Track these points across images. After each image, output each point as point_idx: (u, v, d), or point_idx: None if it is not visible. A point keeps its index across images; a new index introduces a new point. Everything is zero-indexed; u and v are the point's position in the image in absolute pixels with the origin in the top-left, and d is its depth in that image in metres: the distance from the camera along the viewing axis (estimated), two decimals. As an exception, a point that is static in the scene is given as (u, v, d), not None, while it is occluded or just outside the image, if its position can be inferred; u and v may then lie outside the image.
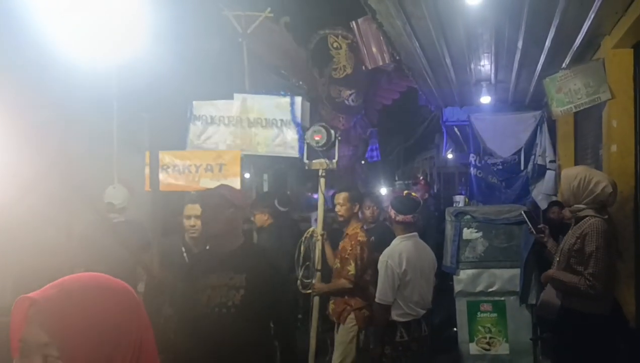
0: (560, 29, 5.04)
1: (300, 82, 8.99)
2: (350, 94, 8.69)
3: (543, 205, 7.72)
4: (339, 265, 4.59)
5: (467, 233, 6.27)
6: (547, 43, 5.47)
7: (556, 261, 3.73)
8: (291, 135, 5.30)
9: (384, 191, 20.94)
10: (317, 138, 4.62)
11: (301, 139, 5.19)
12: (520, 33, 5.22)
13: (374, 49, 6.64)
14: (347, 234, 4.60)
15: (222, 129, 5.57)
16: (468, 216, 6.31)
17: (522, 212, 4.23)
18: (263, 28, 8.37)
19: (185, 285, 2.92)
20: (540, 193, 7.86)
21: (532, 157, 8.23)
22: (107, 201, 5.39)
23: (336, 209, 4.67)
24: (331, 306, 4.76)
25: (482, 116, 8.51)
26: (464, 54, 6.07)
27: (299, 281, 4.87)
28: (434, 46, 5.77)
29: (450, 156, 16.93)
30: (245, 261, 2.84)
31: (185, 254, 4.25)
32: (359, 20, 6.49)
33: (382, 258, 4.03)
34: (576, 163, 7.65)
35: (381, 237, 5.38)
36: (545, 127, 8.06)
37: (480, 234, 6.24)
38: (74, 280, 1.16)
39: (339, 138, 4.50)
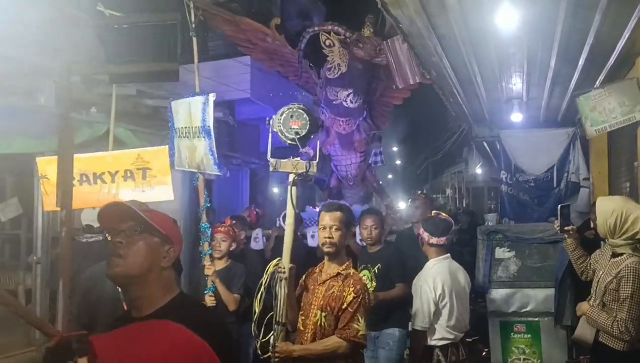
0: (594, 49, 5.01)
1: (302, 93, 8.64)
2: (348, 95, 7.88)
3: (577, 223, 7.57)
4: (323, 318, 3.17)
5: (500, 252, 6.25)
6: (581, 62, 5.44)
7: (593, 292, 3.70)
8: (204, 146, 4.38)
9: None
10: (294, 126, 3.11)
11: (212, 150, 4.34)
12: (553, 52, 5.20)
13: (405, 69, 6.62)
14: (338, 273, 3.21)
15: (182, 142, 4.82)
16: (500, 235, 6.28)
17: (559, 206, 4.11)
18: (257, 34, 8.17)
19: None
20: (573, 211, 7.72)
21: (565, 174, 8.13)
22: (84, 224, 4.81)
23: (325, 235, 3.22)
24: None
25: (513, 132, 8.44)
26: (495, 73, 6.06)
27: (257, 342, 3.37)
28: (465, 66, 5.79)
29: (479, 170, 16.82)
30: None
31: (122, 296, 3.11)
32: (389, 41, 6.52)
33: (417, 282, 4.00)
34: (610, 181, 7.54)
35: (388, 263, 4.89)
36: (578, 144, 7.97)
37: (513, 253, 6.21)
38: None
39: (323, 123, 3.54)
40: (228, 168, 10.94)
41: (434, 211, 4.42)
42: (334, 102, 7.91)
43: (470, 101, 7.52)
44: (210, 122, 4.34)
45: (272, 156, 3.30)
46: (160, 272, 1.93)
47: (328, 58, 8.00)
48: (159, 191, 4.22)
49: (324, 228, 3.26)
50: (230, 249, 4.81)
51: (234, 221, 5.56)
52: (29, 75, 6.34)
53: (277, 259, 3.30)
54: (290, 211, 3.23)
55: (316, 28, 8.13)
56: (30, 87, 6.56)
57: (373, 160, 8.32)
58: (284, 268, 3.24)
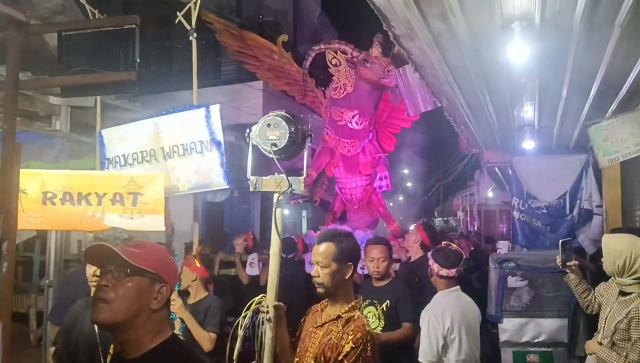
0: (605, 80, 5.03)
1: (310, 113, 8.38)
2: (353, 116, 7.59)
3: (590, 250, 7.55)
4: None
5: (512, 281, 6.19)
6: (592, 92, 5.46)
7: (601, 329, 3.66)
8: (214, 160, 4.09)
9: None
10: (272, 137, 2.58)
11: (222, 163, 4.08)
12: (564, 83, 5.22)
13: (416, 97, 6.64)
14: (339, 316, 2.64)
15: (135, 170, 4.31)
16: (512, 264, 6.24)
17: (560, 242, 4.08)
18: (264, 50, 7.96)
19: None
20: (587, 239, 7.69)
21: (578, 201, 8.09)
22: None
23: (312, 273, 2.70)
24: None
25: (525, 159, 8.44)
26: (507, 101, 6.09)
27: None
28: (477, 95, 5.82)
29: (491, 194, 16.77)
30: None
31: (97, 334, 2.88)
32: (401, 69, 6.57)
33: (425, 315, 3.89)
34: (623, 209, 7.51)
35: (398, 299, 4.32)
36: (590, 171, 7.94)
37: (525, 282, 6.16)
38: None
39: (311, 134, 2.67)
40: (240, 191, 11.01)
41: (444, 242, 4.36)
42: (339, 123, 7.72)
43: (481, 128, 7.54)
44: (220, 135, 4.11)
45: (272, 173, 2.77)
46: (149, 315, 1.77)
47: (334, 77, 7.82)
48: (149, 220, 3.82)
49: (312, 264, 2.72)
50: (192, 281, 4.18)
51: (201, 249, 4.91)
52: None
53: (260, 296, 2.74)
54: (274, 239, 2.64)
55: (322, 46, 7.93)
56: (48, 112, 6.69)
57: (378, 184, 7.96)
58: (267, 307, 2.67)
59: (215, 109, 4.14)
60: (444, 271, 3.94)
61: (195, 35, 4.75)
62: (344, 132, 7.71)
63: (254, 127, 2.65)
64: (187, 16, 5.00)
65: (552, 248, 7.41)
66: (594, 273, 5.87)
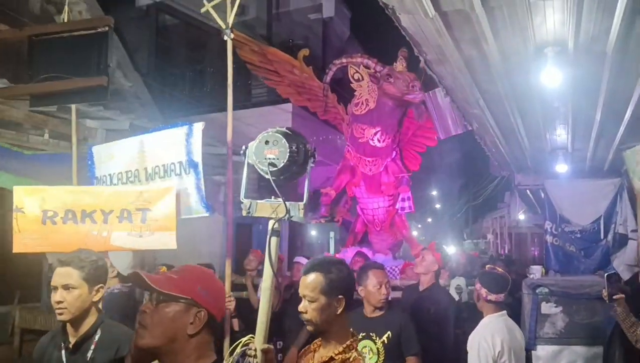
0: (639, 105, 4.96)
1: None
2: (375, 133, 7.19)
3: (625, 276, 7.36)
4: None
5: (546, 307, 6.07)
6: (627, 116, 5.38)
7: None
8: (192, 183, 3.71)
9: (451, 250, 20.53)
10: (270, 156, 2.29)
11: (199, 187, 3.70)
12: (598, 107, 5.17)
13: (447, 120, 6.60)
14: (331, 358, 2.35)
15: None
16: (546, 290, 6.13)
17: (606, 275, 4.00)
18: (285, 65, 7.67)
19: None
20: (622, 264, 7.51)
21: (613, 226, 7.92)
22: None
23: (299, 308, 2.40)
24: None
25: (558, 182, 8.31)
26: (540, 125, 6.05)
27: None
28: (508, 118, 5.79)
29: (522, 216, 16.51)
30: None
31: (64, 357, 2.72)
32: (431, 93, 6.56)
33: (474, 338, 3.78)
34: (660, 234, 7.31)
35: (400, 330, 3.80)
36: (625, 195, 7.77)
37: (560, 309, 6.03)
38: None
39: (314, 154, 2.36)
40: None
41: (488, 266, 4.30)
42: (360, 140, 7.37)
43: (513, 151, 7.48)
44: (198, 156, 3.72)
45: (267, 196, 2.40)
46: (187, 340, 1.76)
47: (356, 93, 7.52)
48: (160, 237, 3.53)
49: (302, 295, 2.41)
50: None
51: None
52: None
53: (247, 337, 2.35)
54: (267, 272, 2.29)
55: (344, 60, 7.60)
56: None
57: (400, 206, 7.43)
58: (254, 349, 2.29)
59: (198, 127, 3.74)
60: (493, 296, 3.85)
61: (231, 35, 4.18)
62: (366, 150, 7.37)
63: (250, 144, 2.31)
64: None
65: (587, 273, 7.28)
66: (630, 296, 5.73)
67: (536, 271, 7.20)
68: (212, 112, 10.24)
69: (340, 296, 2.35)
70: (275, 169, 2.24)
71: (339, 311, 2.35)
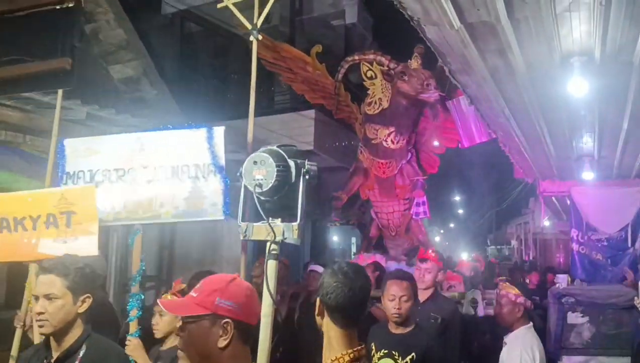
0: (668, 112, 4.89)
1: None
2: (389, 134, 6.85)
3: (653, 285, 7.25)
4: None
5: (572, 317, 6.02)
6: (655, 124, 5.31)
7: None
8: (212, 187, 3.59)
9: (468, 256, 20.35)
10: (257, 176, 2.19)
11: (227, 191, 3.56)
12: (625, 115, 5.11)
13: (471, 128, 6.56)
14: None
15: (105, 189, 3.70)
16: (572, 299, 6.06)
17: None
18: (298, 62, 7.48)
19: None
20: (649, 273, 7.40)
21: (640, 233, 7.82)
22: None
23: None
24: None
25: (584, 189, 8.21)
26: (565, 133, 5.99)
27: None
28: (533, 126, 5.74)
29: (547, 222, 16.31)
30: None
31: None
32: (455, 100, 6.54)
33: (513, 350, 3.72)
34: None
35: (427, 351, 3.36)
36: (654, 202, 7.67)
37: (586, 319, 5.97)
38: None
39: (308, 171, 2.23)
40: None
41: (500, 279, 4.30)
42: (373, 141, 7.04)
43: (538, 158, 7.40)
44: (222, 160, 3.63)
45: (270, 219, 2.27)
46: (221, 353, 1.79)
47: (369, 91, 7.17)
48: (82, 243, 3.26)
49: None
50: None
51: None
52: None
53: None
54: (266, 298, 2.14)
55: (356, 57, 7.28)
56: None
57: (415, 211, 7.13)
58: None
59: (219, 131, 3.65)
60: (528, 303, 3.87)
61: (259, 36, 4.07)
62: (379, 151, 7.05)
63: (244, 165, 2.26)
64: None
65: (613, 282, 7.17)
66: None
67: (562, 280, 7.13)
68: (234, 119, 10.34)
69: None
70: (261, 190, 2.19)
71: (345, 329, 2.04)
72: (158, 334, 3.50)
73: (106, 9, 8.36)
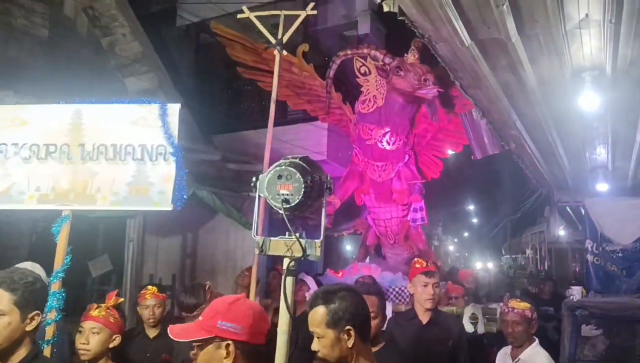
0: (682, 125, 4.88)
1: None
2: (384, 134, 6.27)
3: (669, 297, 7.17)
4: None
5: (586, 330, 5.97)
6: (669, 136, 5.30)
7: None
8: (161, 172, 3.22)
9: (490, 266, 20.21)
10: (283, 191, 2.11)
11: (180, 176, 3.23)
12: (637, 128, 5.11)
13: (483, 140, 6.46)
14: None
15: (32, 167, 3.29)
16: (586, 311, 6.02)
17: None
18: (282, 63, 7.08)
19: None
20: (665, 284, 7.33)
21: (656, 245, 7.73)
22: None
23: (313, 348, 2.19)
24: None
25: (599, 200, 8.15)
26: (579, 145, 5.99)
27: None
28: (546, 138, 5.75)
29: (562, 232, 16.18)
30: None
31: None
32: (467, 114, 6.48)
33: None
34: None
35: None
36: (670, 213, 7.59)
37: (600, 331, 5.92)
38: None
39: (330, 187, 2.17)
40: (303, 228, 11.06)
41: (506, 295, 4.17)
42: (368, 142, 6.44)
43: (551, 170, 7.40)
44: (176, 141, 3.29)
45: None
46: None
47: (362, 89, 6.56)
48: None
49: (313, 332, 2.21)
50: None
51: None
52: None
53: None
54: (283, 313, 2.08)
55: (349, 52, 6.61)
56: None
57: (412, 217, 6.52)
58: None
59: (174, 108, 3.31)
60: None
61: (283, 50, 3.92)
62: (374, 153, 6.43)
63: (261, 177, 2.13)
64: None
65: (629, 294, 7.10)
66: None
67: (576, 292, 7.06)
68: (247, 130, 10.43)
69: (348, 328, 2.15)
70: (288, 206, 2.07)
71: (348, 345, 2.13)
72: (86, 356, 2.89)
73: (122, 22, 8.52)
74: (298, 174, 2.07)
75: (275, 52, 3.96)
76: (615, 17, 3.12)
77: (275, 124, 9.92)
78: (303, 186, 2.06)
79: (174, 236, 8.20)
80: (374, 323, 2.91)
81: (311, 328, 2.17)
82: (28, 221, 6.86)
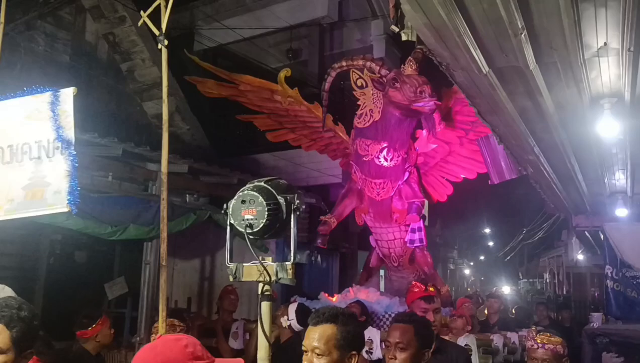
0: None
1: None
2: (382, 150, 5.94)
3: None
4: None
5: (607, 358, 5.88)
6: (689, 162, 5.24)
7: None
8: (57, 169, 2.82)
9: (506, 290, 19.94)
10: (247, 216, 2.04)
11: (75, 173, 2.82)
12: (658, 154, 5.06)
13: (500, 164, 6.41)
14: None
15: None
16: (607, 339, 5.93)
17: None
18: (262, 93, 6.54)
19: None
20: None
21: (676, 271, 7.63)
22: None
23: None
24: None
25: (618, 225, 8.07)
26: (597, 170, 5.95)
27: None
28: (565, 164, 5.72)
29: (580, 256, 15.98)
30: None
31: None
32: (484, 139, 6.42)
33: None
34: None
35: None
36: (690, 239, 7.49)
37: (622, 359, 5.82)
38: None
39: (299, 208, 2.08)
40: (318, 252, 10.96)
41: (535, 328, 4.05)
42: (365, 158, 6.10)
43: (570, 195, 7.34)
44: (71, 133, 2.85)
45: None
46: None
47: (359, 102, 6.22)
48: None
49: (312, 350, 2.16)
50: None
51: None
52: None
53: None
54: (262, 341, 2.01)
55: (344, 64, 6.13)
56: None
57: (410, 238, 6.12)
58: None
59: (67, 94, 2.87)
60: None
61: (165, 42, 3.21)
62: (371, 170, 6.10)
63: (229, 203, 2.08)
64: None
65: (651, 321, 6.98)
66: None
67: (597, 319, 6.97)
68: (263, 153, 10.48)
69: (350, 354, 2.14)
70: (251, 231, 2.04)
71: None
72: None
73: (141, 48, 8.68)
74: (260, 198, 2.03)
75: (160, 46, 3.29)
76: (634, 46, 3.13)
77: (289, 147, 10.03)
78: (266, 209, 2.02)
79: (191, 260, 8.22)
80: (403, 357, 2.76)
81: (314, 343, 2.12)
82: (46, 243, 6.94)
